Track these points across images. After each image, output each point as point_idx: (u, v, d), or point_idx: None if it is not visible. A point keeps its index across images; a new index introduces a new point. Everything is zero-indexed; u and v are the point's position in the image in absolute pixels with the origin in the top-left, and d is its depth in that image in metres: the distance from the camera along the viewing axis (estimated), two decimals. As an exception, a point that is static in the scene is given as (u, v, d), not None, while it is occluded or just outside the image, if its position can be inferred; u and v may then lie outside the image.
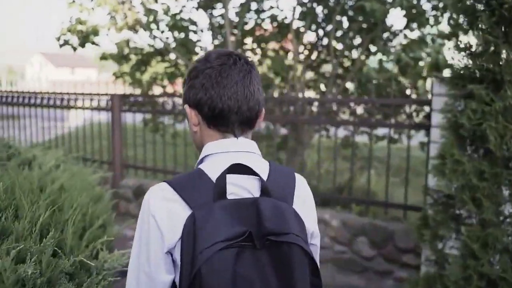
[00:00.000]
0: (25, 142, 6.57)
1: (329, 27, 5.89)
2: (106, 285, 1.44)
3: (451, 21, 5.10)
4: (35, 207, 1.41)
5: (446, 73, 5.21)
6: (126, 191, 5.48)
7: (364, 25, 5.58)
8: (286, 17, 6.32)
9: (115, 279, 1.48)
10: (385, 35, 5.81)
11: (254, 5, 6.33)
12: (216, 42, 6.59)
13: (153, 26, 6.33)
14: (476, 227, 2.14)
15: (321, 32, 6.17)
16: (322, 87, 6.50)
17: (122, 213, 5.29)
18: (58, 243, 1.37)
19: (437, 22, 5.39)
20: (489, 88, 2.18)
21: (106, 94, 5.64)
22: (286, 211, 0.96)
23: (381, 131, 5.62)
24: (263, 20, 6.43)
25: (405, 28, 5.64)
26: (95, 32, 6.24)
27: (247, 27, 6.50)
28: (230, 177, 0.97)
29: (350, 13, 5.67)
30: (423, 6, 5.30)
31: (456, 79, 2.31)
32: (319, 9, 5.93)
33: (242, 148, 1.06)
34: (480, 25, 2.25)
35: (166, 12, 6.37)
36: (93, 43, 6.38)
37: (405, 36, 5.83)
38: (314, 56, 6.48)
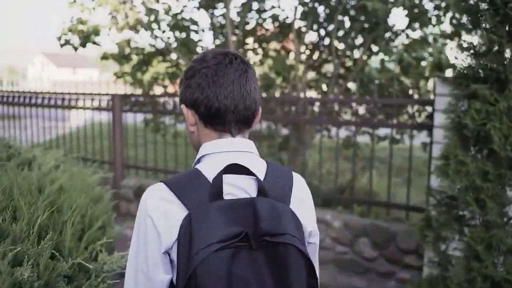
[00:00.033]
0: (26, 142, 6.56)
1: (331, 27, 5.86)
2: (105, 288, 1.42)
3: (454, 21, 5.09)
4: (33, 208, 1.39)
5: (449, 73, 5.18)
6: (127, 191, 5.46)
7: (366, 25, 5.56)
8: (287, 17, 6.31)
9: (114, 282, 1.45)
10: (387, 35, 5.78)
11: (255, 5, 6.31)
12: (218, 42, 6.57)
13: (154, 26, 6.31)
14: (480, 228, 2.12)
15: (322, 32, 6.14)
16: (324, 87, 6.48)
17: (123, 214, 5.28)
18: (56, 245, 1.35)
19: (439, 22, 5.36)
20: (493, 88, 2.16)
21: (107, 94, 5.63)
22: (283, 211, 0.95)
23: (382, 131, 5.59)
24: (264, 20, 6.41)
25: (407, 27, 5.62)
26: (96, 32, 6.23)
27: (248, 27, 6.48)
28: (226, 177, 0.97)
29: (352, 12, 5.65)
30: (425, 6, 5.28)
31: (459, 79, 2.28)
32: (320, 9, 5.91)
33: (239, 148, 1.06)
34: (484, 24, 2.22)
35: (167, 12, 6.35)
36: (94, 43, 6.37)
37: (407, 36, 5.81)
38: (315, 56, 6.46)
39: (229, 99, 1.02)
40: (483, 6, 2.29)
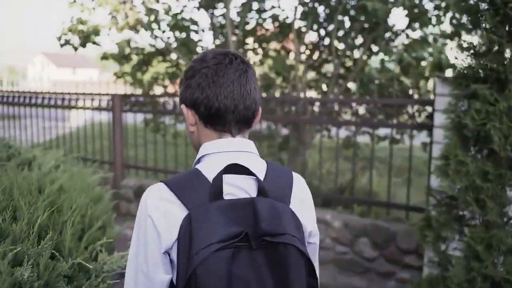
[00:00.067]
0: (26, 142, 6.56)
1: (331, 27, 5.86)
2: (105, 288, 1.42)
3: (454, 21, 5.09)
4: (33, 208, 1.38)
5: (449, 73, 5.18)
6: (127, 191, 5.46)
7: (366, 25, 5.56)
8: (287, 17, 6.30)
9: (114, 282, 1.45)
10: (387, 35, 5.78)
11: (255, 5, 6.31)
12: (218, 42, 6.57)
13: (154, 26, 6.31)
14: (480, 228, 2.11)
15: (322, 32, 6.14)
16: (324, 87, 6.48)
17: (123, 214, 5.28)
18: (56, 245, 1.35)
19: (439, 22, 5.36)
20: (493, 88, 2.16)
21: (107, 94, 5.63)
22: (283, 211, 0.95)
23: (382, 131, 5.59)
24: (264, 20, 6.41)
25: (407, 27, 5.62)
26: (96, 32, 6.23)
27: (248, 27, 6.48)
28: (226, 177, 0.97)
29: (352, 12, 5.65)
30: (425, 6, 5.28)
31: (459, 79, 2.28)
32: (320, 9, 5.91)
33: (239, 148, 1.05)
34: (484, 24, 2.22)
35: (167, 12, 6.35)
36: (94, 43, 6.37)
37: (407, 36, 5.80)
38: (315, 56, 6.46)
39: (229, 99, 1.02)
40: (483, 6, 2.29)
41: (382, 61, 5.86)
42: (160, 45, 6.62)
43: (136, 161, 5.91)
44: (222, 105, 1.02)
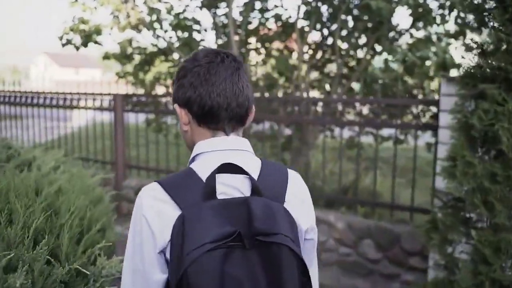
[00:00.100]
0: (28, 142, 6.54)
1: (334, 26, 5.82)
2: (104, 293, 1.38)
3: (459, 20, 5.03)
4: (29, 211, 1.35)
5: (453, 72, 5.13)
6: (129, 192, 5.43)
7: (370, 24, 5.51)
8: (290, 16, 6.26)
9: (113, 287, 1.41)
10: (391, 34, 5.73)
11: (258, 4, 6.27)
12: (220, 41, 6.53)
13: (156, 25, 6.27)
14: (488, 231, 2.07)
15: (326, 31, 6.10)
16: (327, 87, 6.43)
17: (124, 214, 5.24)
18: (53, 249, 1.31)
19: (444, 21, 5.31)
20: (501, 87, 2.11)
21: (109, 94, 5.60)
22: (277, 210, 0.95)
23: (386, 131, 5.54)
24: (267, 19, 6.37)
25: (411, 27, 5.57)
26: (98, 32, 6.20)
27: (251, 27, 6.44)
28: (220, 177, 0.98)
29: (355, 12, 5.60)
30: (430, 5, 5.23)
31: (466, 78, 2.24)
32: (324, 8, 5.86)
33: (233, 146, 1.05)
34: (492, 23, 2.17)
35: (169, 11, 6.32)
36: (95, 42, 6.33)
37: (411, 36, 5.76)
38: (318, 55, 6.41)
39: (222, 97, 1.03)
40: (491, 4, 2.24)
41: (386, 60, 5.81)
42: (162, 44, 6.59)
43: (138, 161, 5.87)
44: (215, 103, 1.03)
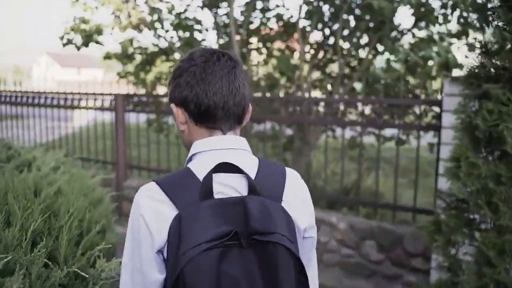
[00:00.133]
0: (29, 142, 6.52)
1: (336, 26, 5.79)
2: (103, 295, 1.36)
3: (461, 20, 5.00)
4: (27, 213, 1.33)
5: (456, 72, 5.10)
6: (130, 192, 5.41)
7: (371, 24, 5.49)
8: (292, 16, 6.24)
9: (112, 290, 1.40)
10: (393, 34, 5.71)
11: (259, 4, 6.25)
12: (221, 41, 6.51)
13: (157, 25, 6.26)
14: (492, 233, 2.04)
15: (327, 31, 6.07)
16: (329, 87, 6.41)
17: (125, 214, 5.22)
18: (51, 252, 1.29)
19: (446, 21, 5.28)
20: (505, 87, 2.08)
21: (110, 94, 5.58)
22: (274, 209, 0.95)
23: (388, 131, 5.52)
24: (268, 19, 6.35)
25: (413, 26, 5.54)
26: (99, 31, 6.19)
27: (252, 26, 6.42)
28: (217, 176, 0.98)
29: (357, 11, 5.58)
30: (432, 4, 5.20)
31: (470, 78, 2.21)
32: (325, 8, 5.84)
33: (231, 145, 1.06)
34: (496, 22, 2.15)
35: (170, 11, 6.30)
36: (97, 42, 6.32)
37: (413, 35, 5.73)
38: (320, 55, 6.39)
39: (218, 96, 1.03)
40: (495, 3, 2.22)
41: (388, 60, 5.78)
42: (164, 44, 6.57)
43: (139, 162, 5.86)
44: (211, 102, 1.03)
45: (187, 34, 6.41)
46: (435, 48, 5.44)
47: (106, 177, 2.84)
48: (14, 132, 6.77)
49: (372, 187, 5.18)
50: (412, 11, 5.21)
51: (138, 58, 6.99)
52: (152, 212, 0.95)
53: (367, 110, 5.26)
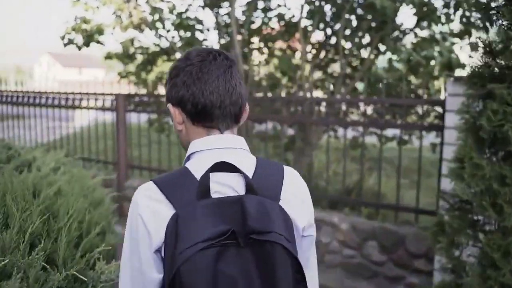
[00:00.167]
0: (30, 142, 6.51)
1: (338, 26, 5.77)
2: (103, 298, 1.34)
3: (464, 19, 4.97)
4: (26, 214, 1.31)
5: (459, 72, 5.08)
6: (131, 192, 5.39)
7: (373, 24, 5.46)
8: (293, 16, 6.22)
9: (112, 292, 1.38)
10: (395, 33, 5.68)
11: (261, 4, 6.23)
12: (223, 41, 6.50)
13: (158, 25, 6.24)
14: (497, 234, 2.02)
15: (329, 31, 6.05)
16: (331, 87, 6.39)
17: (126, 215, 5.18)
18: (50, 254, 1.27)
19: (448, 20, 5.25)
20: (510, 87, 2.06)
21: (111, 94, 5.57)
22: (272, 209, 0.96)
23: (390, 131, 5.49)
24: (270, 19, 6.33)
25: (415, 26, 5.51)
26: (100, 31, 6.18)
27: (254, 26, 6.40)
28: (214, 175, 0.98)
29: (359, 11, 5.55)
30: (435, 4, 5.17)
31: (474, 78, 2.19)
32: (327, 8, 5.82)
33: (228, 144, 1.06)
34: (501, 21, 2.12)
35: (171, 11, 6.28)
36: (98, 42, 6.31)
37: (416, 35, 5.70)
38: (322, 55, 6.37)
39: (215, 95, 1.03)
40: (499, 2, 2.19)
41: (390, 60, 5.76)
42: (165, 44, 6.56)
43: (140, 162, 5.84)
44: (208, 101, 1.03)
45: (189, 34, 6.39)
46: (437, 48, 5.41)
47: (107, 178, 2.82)
48: (15, 132, 6.75)
49: (374, 188, 5.15)
50: (414, 10, 5.19)
51: (139, 58, 6.97)
52: (150, 212, 0.95)
53: (369, 110, 5.24)
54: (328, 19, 5.89)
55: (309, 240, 1.09)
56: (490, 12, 2.27)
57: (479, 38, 2.20)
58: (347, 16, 5.54)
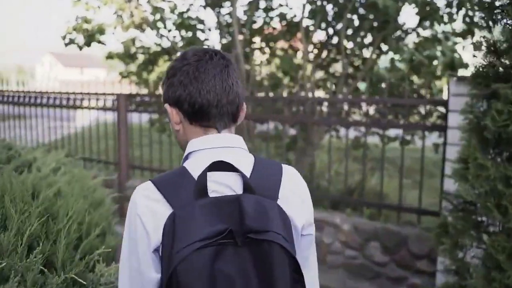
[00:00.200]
0: (31, 142, 6.51)
1: (340, 26, 5.74)
2: (103, 301, 1.32)
3: (467, 19, 4.94)
4: (24, 216, 1.29)
5: (461, 72, 5.05)
6: (132, 192, 5.37)
7: (376, 23, 5.44)
8: (295, 16, 6.20)
9: (112, 295, 1.35)
10: (397, 33, 5.65)
11: (262, 4, 6.21)
12: (224, 41, 6.48)
13: (160, 24, 6.23)
14: (501, 236, 1.99)
15: (331, 30, 6.03)
16: (332, 86, 6.36)
17: (127, 215, 5.19)
18: (49, 257, 1.25)
19: (451, 20, 5.23)
20: (515, 87, 2.04)
21: (112, 94, 5.56)
22: (270, 208, 0.95)
23: (392, 132, 5.47)
24: (271, 18, 6.31)
25: (418, 26, 5.49)
26: (101, 31, 6.16)
27: (255, 26, 6.38)
28: (212, 175, 0.98)
29: (361, 11, 5.53)
30: (437, 3, 5.14)
31: (478, 77, 2.16)
32: (329, 7, 5.79)
33: (226, 143, 1.06)
34: (505, 20, 2.10)
35: (173, 11, 6.26)
36: (99, 42, 6.30)
37: (418, 35, 5.67)
38: (324, 55, 6.34)
39: (212, 94, 1.03)
40: (503, 0, 2.17)
41: (392, 60, 5.73)
42: (166, 44, 6.54)
43: (142, 162, 5.83)
44: (205, 101, 1.03)
45: (190, 33, 6.37)
46: (440, 48, 5.38)
47: (107, 178, 2.81)
48: (16, 132, 6.74)
49: (376, 188, 5.13)
50: (417, 10, 5.16)
51: (141, 57, 6.96)
52: (149, 212, 0.95)
53: (371, 110, 5.20)
54: (330, 18, 5.87)
55: (309, 239, 1.09)
56: (495, 11, 2.25)
57: (484, 37, 2.18)
58: (349, 15, 5.52)
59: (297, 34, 6.21)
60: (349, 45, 6.09)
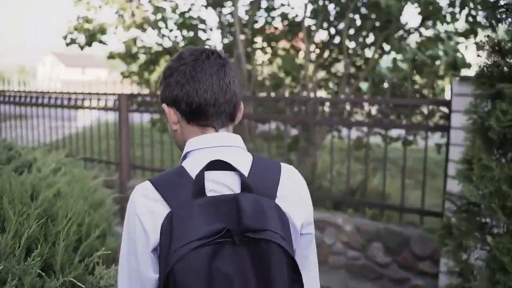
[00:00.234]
0: (33, 142, 6.50)
1: (342, 25, 5.72)
2: (102, 304, 1.30)
3: (469, 18, 4.92)
4: (23, 218, 1.27)
5: (464, 72, 5.02)
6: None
7: (378, 23, 5.41)
8: (297, 15, 6.18)
9: (111, 298, 1.33)
10: (400, 33, 5.63)
11: (264, 3, 6.19)
12: (226, 41, 6.46)
13: (161, 24, 6.21)
14: (506, 237, 1.97)
15: (333, 30, 6.00)
16: (334, 86, 6.34)
17: (129, 215, 5.17)
18: (48, 259, 1.23)
19: (454, 19, 5.20)
20: (520, 87, 2.01)
21: (114, 94, 5.54)
22: (268, 207, 0.95)
23: (395, 132, 5.44)
24: (273, 18, 6.29)
25: (420, 25, 5.46)
26: (102, 31, 6.15)
27: (257, 26, 6.36)
28: (210, 174, 0.98)
29: (363, 10, 5.50)
30: (440, 3, 5.11)
31: (482, 77, 2.14)
32: (331, 7, 5.77)
33: (224, 143, 1.06)
34: (510, 19, 2.08)
35: (174, 10, 6.25)
36: (100, 41, 6.28)
37: (420, 34, 5.64)
38: (326, 55, 6.32)
39: (209, 93, 1.03)
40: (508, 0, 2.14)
41: (395, 60, 5.70)
42: (168, 44, 6.53)
43: (143, 162, 5.81)
44: (202, 100, 1.03)
45: (191, 33, 6.35)
46: (442, 47, 5.35)
47: (108, 179, 2.79)
48: (18, 132, 6.74)
49: (379, 188, 5.11)
50: (419, 9, 5.13)
51: (142, 57, 6.95)
52: (147, 211, 0.96)
53: (374, 110, 5.18)
54: (332, 18, 5.84)
55: (308, 238, 1.08)
56: (499, 10, 2.22)
57: (488, 36, 2.16)
58: (351, 15, 5.50)
59: (299, 34, 6.19)
60: (351, 45, 6.06)
